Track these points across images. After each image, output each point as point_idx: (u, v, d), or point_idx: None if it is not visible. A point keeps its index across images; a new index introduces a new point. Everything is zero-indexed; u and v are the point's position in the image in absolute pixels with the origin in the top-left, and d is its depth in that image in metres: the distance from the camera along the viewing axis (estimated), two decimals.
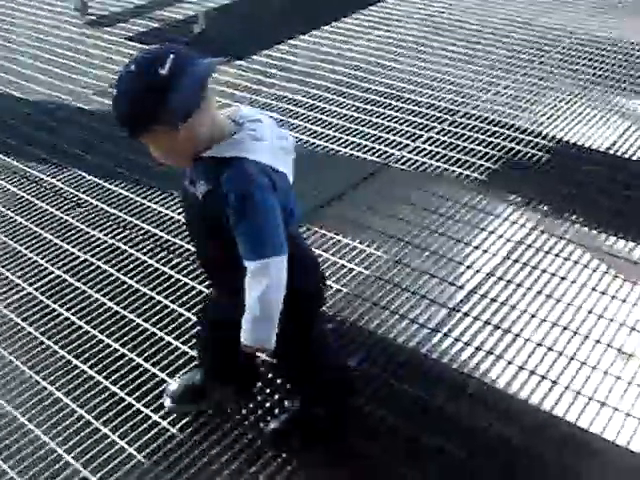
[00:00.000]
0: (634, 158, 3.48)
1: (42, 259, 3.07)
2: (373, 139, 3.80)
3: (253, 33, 5.33)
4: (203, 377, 2.30)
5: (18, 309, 2.81)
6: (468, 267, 2.87)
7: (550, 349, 2.48)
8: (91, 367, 2.52)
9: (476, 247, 2.97)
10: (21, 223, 3.33)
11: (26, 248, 3.16)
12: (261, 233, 1.59)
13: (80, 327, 2.70)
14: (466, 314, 2.65)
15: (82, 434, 2.26)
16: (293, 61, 4.82)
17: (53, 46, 5.40)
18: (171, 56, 1.49)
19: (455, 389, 2.35)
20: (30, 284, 2.93)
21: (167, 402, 2.32)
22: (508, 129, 3.82)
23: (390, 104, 4.15)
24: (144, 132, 1.56)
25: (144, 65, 1.52)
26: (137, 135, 1.57)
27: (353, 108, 4.14)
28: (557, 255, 2.89)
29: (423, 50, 4.83)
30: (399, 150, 3.69)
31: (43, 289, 2.90)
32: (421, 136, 3.80)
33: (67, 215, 3.35)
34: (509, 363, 2.43)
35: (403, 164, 3.57)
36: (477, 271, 2.84)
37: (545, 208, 3.15)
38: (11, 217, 3.39)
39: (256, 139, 1.62)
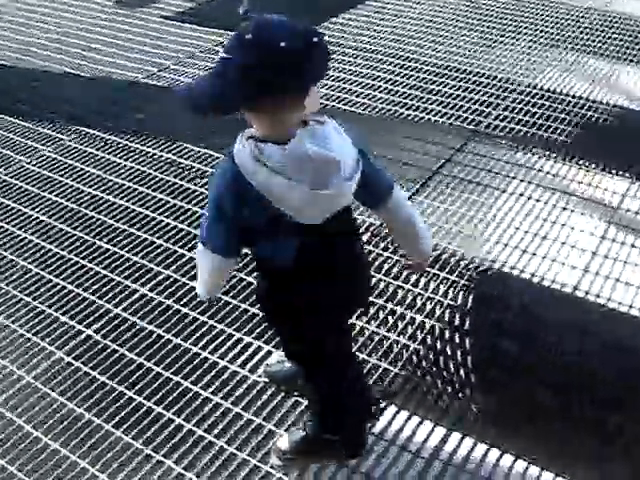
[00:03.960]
0: None
1: (166, 217, 3.27)
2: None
3: (298, 13, 5.51)
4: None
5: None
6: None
7: None
8: None
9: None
10: (143, 192, 3.51)
11: (154, 212, 3.35)
12: (203, 220, 1.70)
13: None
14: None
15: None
16: (345, 37, 5.06)
17: (94, 26, 5.47)
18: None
19: None
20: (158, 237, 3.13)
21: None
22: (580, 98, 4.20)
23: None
24: None
25: None
26: None
27: (424, 80, 4.44)
28: None
29: (462, 27, 5.16)
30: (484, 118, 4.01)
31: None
32: (498, 105, 4.12)
33: (190, 183, 3.54)
34: None
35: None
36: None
37: None
38: (131, 186, 3.55)
39: (257, 160, 1.53)
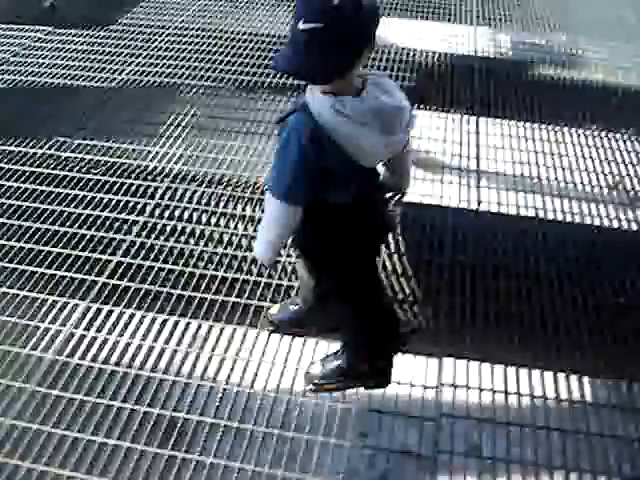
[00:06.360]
0: None
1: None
2: None
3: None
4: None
5: None
6: None
7: None
8: None
9: None
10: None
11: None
12: (276, 174, 1.84)
13: None
14: None
15: None
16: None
17: None
18: None
19: None
20: None
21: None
22: None
23: None
24: None
25: None
26: None
27: None
28: None
29: None
30: None
31: None
32: None
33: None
34: None
35: None
36: None
37: None
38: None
39: (339, 112, 1.73)
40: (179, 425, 2.37)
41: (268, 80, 4.36)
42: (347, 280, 2.17)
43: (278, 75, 4.37)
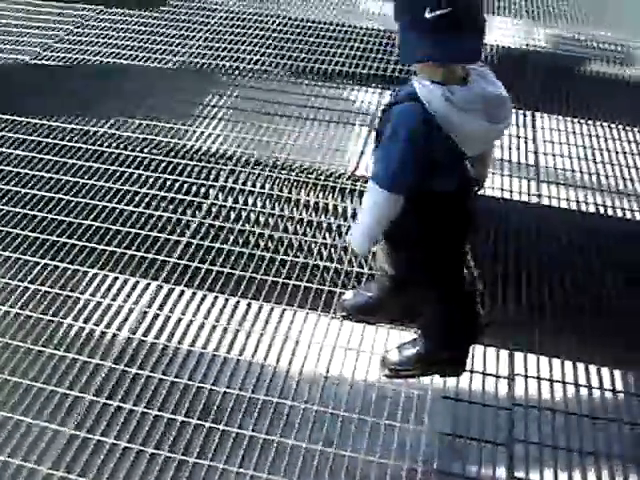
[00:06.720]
0: None
1: None
2: None
3: None
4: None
5: None
6: None
7: None
8: None
9: None
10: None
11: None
12: (383, 163, 1.89)
13: None
14: None
15: None
16: None
17: None
18: None
19: None
20: None
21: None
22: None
23: None
24: None
25: None
26: None
27: None
28: None
29: None
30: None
31: None
32: None
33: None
34: None
35: None
36: None
37: None
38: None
39: (449, 100, 1.75)
40: (258, 406, 2.40)
41: (324, 67, 4.37)
42: (439, 267, 2.19)
43: (333, 62, 4.39)
